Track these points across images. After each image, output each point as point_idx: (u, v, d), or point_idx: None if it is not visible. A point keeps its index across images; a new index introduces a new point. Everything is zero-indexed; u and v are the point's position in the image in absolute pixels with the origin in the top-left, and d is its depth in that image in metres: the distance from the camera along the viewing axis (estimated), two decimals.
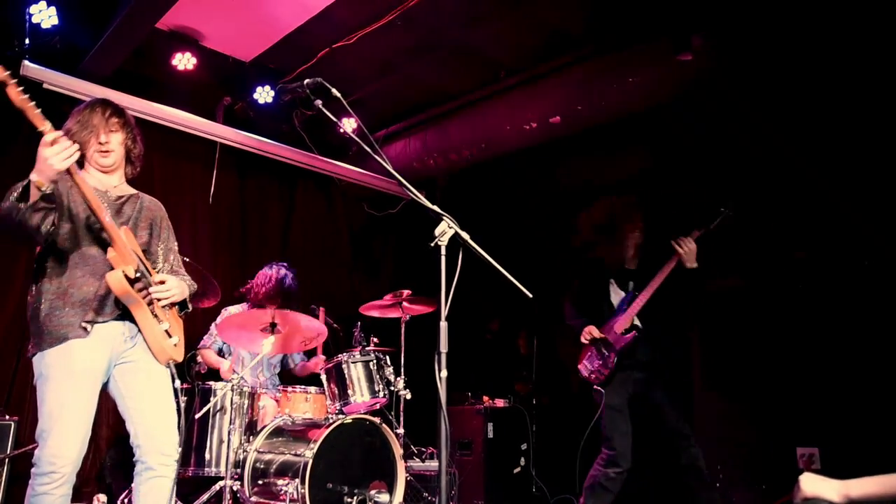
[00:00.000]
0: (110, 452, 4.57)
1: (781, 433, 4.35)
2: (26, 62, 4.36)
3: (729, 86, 4.52)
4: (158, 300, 2.56)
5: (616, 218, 4.13)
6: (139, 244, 2.64)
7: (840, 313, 4.26)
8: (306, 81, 2.31)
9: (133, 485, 2.52)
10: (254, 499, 3.71)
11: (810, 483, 1.53)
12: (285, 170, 6.01)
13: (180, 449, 2.59)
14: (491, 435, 5.23)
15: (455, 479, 4.71)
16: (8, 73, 2.16)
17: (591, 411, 3.94)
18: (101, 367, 2.46)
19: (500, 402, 5.49)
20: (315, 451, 3.52)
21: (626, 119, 4.91)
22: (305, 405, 4.15)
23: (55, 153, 2.18)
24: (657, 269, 3.88)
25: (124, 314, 2.51)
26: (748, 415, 4.55)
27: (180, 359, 2.64)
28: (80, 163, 2.63)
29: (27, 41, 4.42)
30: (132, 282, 2.42)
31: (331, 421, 3.74)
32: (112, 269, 2.42)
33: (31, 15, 4.43)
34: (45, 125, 2.22)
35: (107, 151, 2.63)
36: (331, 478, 3.59)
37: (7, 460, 3.85)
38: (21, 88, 2.19)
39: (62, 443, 2.30)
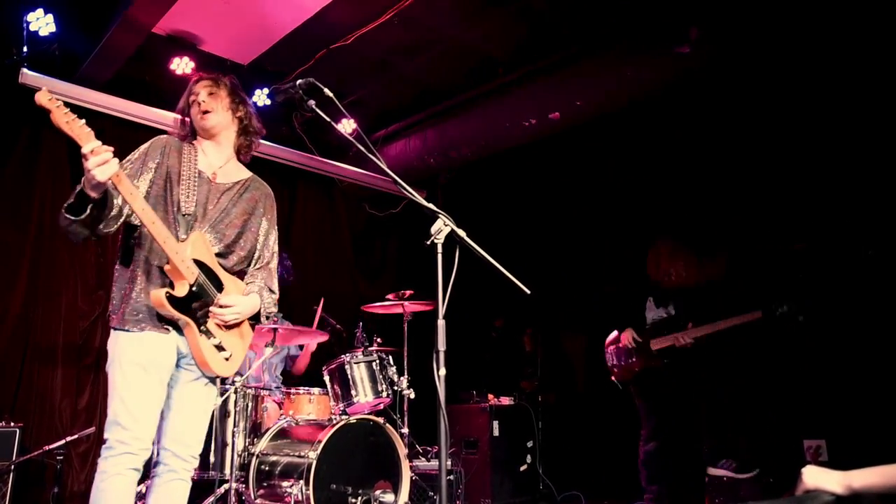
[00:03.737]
0: None
1: (788, 425, 4.33)
2: (25, 70, 4.37)
3: (727, 76, 4.49)
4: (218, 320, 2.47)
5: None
6: (221, 246, 2.52)
7: (846, 304, 4.23)
8: (299, 82, 2.29)
9: (148, 484, 2.49)
10: (259, 501, 3.70)
11: (812, 475, 1.52)
12: (286, 171, 6.01)
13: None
14: (497, 433, 5.21)
15: (461, 477, 4.69)
16: (54, 101, 2.07)
17: (596, 408, 3.92)
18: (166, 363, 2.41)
19: (505, 400, 5.47)
20: (319, 452, 3.52)
21: (623, 114, 4.89)
22: (309, 406, 4.14)
23: (94, 164, 2.07)
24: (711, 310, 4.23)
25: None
26: (755, 407, 4.53)
27: (227, 374, 2.53)
28: (195, 134, 2.61)
29: (25, 49, 4.43)
30: (186, 300, 2.36)
31: (335, 422, 3.74)
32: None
33: (28, 23, 4.44)
34: (86, 144, 2.08)
35: (205, 112, 2.52)
36: (335, 478, 3.59)
37: (13, 467, 3.86)
38: (65, 111, 2.08)
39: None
